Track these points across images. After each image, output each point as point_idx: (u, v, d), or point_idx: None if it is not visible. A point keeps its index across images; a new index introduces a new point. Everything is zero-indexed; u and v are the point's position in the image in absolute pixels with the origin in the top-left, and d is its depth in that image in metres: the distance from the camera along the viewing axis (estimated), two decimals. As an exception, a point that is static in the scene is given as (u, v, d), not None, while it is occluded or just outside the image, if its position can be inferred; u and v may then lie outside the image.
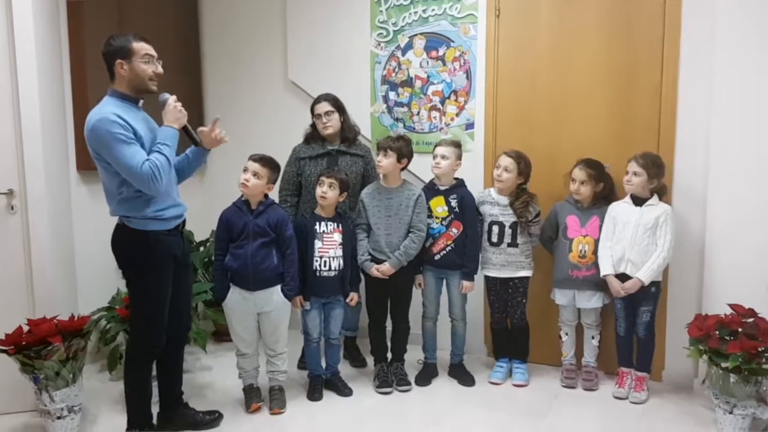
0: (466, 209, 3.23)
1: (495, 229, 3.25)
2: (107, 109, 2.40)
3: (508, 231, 3.23)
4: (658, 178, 3.01)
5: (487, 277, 3.34)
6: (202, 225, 3.77)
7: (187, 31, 4.17)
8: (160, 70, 2.52)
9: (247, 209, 2.92)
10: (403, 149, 3.14)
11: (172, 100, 2.54)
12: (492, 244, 3.27)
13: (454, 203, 3.23)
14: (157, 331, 2.61)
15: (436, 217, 3.25)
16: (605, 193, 3.20)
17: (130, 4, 3.64)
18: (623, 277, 3.06)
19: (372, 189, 3.24)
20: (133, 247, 2.52)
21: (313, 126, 3.39)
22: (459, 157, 3.25)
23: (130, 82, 2.48)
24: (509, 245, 3.24)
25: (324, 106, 3.33)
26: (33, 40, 2.87)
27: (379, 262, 3.17)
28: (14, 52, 2.84)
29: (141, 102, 2.57)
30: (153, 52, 2.50)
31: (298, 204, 3.41)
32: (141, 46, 2.46)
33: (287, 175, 3.38)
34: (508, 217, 3.23)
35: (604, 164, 3.18)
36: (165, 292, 2.59)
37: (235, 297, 2.94)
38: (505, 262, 3.25)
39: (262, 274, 2.90)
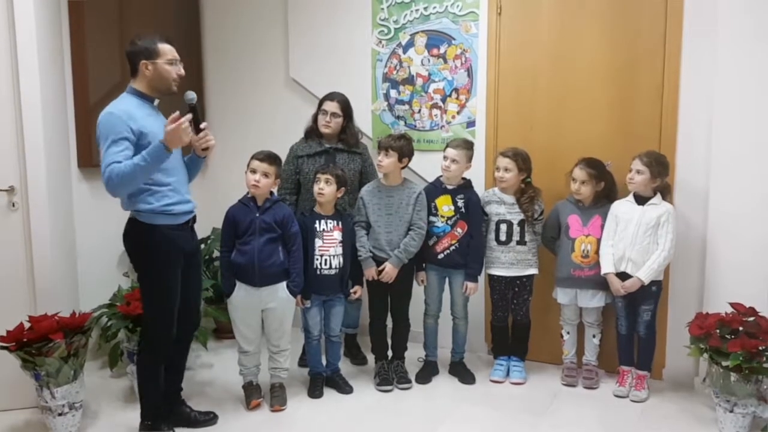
0: (472, 210, 3.22)
1: (503, 227, 3.24)
2: (120, 107, 2.44)
3: (516, 229, 3.22)
4: (661, 176, 3.00)
5: (491, 276, 3.33)
6: (202, 222, 3.73)
7: (188, 29, 4.17)
8: (182, 72, 2.57)
9: (254, 205, 2.94)
10: (404, 149, 3.14)
11: (182, 116, 2.41)
12: (500, 242, 3.25)
13: (461, 203, 3.22)
14: (168, 324, 2.64)
15: (442, 216, 3.23)
16: (606, 191, 3.18)
17: (131, 2, 3.64)
18: (624, 276, 3.05)
19: (372, 187, 3.24)
20: (143, 241, 2.56)
21: (315, 120, 3.38)
22: (470, 159, 3.23)
23: (151, 82, 2.52)
24: (518, 243, 3.23)
25: (332, 106, 3.31)
26: (34, 39, 2.86)
27: (379, 260, 3.17)
28: (16, 50, 2.84)
29: (156, 102, 2.59)
30: (176, 55, 2.56)
31: (297, 202, 3.40)
32: (166, 48, 2.52)
33: (285, 173, 3.36)
34: (516, 215, 3.22)
35: (605, 162, 3.17)
36: (174, 286, 2.62)
37: (240, 294, 2.95)
38: (514, 261, 3.24)
39: (269, 269, 2.91)
